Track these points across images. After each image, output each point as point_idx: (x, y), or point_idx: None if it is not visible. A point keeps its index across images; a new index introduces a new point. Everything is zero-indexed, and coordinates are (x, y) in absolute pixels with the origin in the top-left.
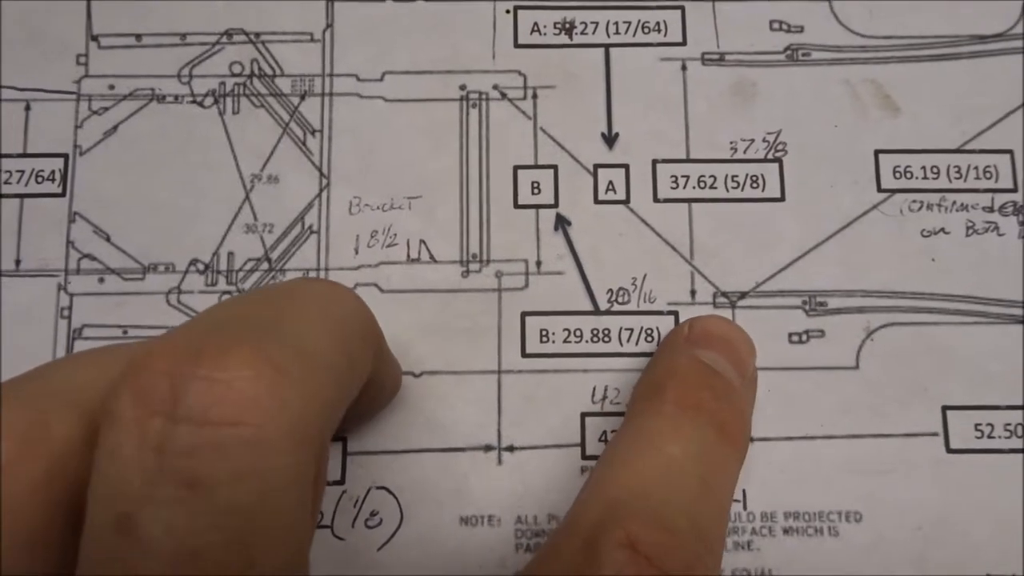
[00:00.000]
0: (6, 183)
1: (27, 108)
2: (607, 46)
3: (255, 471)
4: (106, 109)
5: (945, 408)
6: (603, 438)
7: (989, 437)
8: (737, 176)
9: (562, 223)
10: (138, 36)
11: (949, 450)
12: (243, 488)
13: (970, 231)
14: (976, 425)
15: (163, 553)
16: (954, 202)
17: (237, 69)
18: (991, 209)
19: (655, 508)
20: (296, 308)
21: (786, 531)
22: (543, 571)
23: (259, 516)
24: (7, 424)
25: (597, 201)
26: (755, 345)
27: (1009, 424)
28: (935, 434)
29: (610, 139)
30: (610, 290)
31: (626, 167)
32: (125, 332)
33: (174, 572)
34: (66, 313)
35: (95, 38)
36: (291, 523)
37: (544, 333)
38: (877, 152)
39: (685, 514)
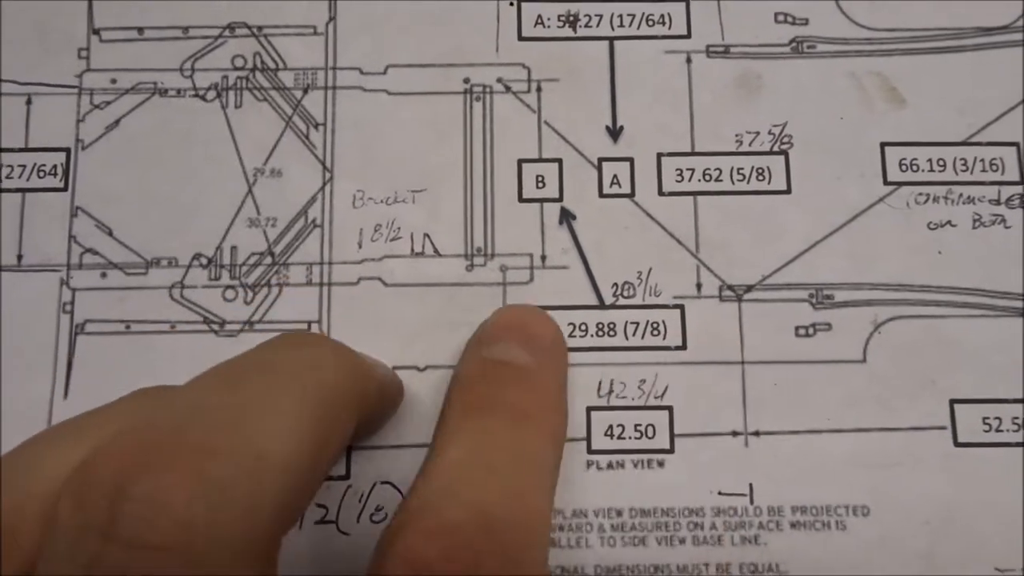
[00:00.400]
0: (7, 178)
1: (28, 102)
2: (611, 39)
3: None
4: (108, 103)
5: (953, 401)
6: (608, 432)
7: (997, 430)
8: (743, 169)
9: (567, 217)
10: (140, 30)
11: (957, 443)
12: None
13: (977, 224)
14: (984, 418)
15: None
16: (960, 195)
17: (240, 63)
18: (997, 202)
19: (433, 513)
20: (264, 390)
21: (793, 525)
22: None
23: None
24: None
25: (602, 195)
26: (549, 315)
27: (1016, 417)
28: (943, 427)
29: (615, 132)
30: (615, 284)
31: (631, 160)
32: (128, 327)
33: None
34: (68, 308)
35: (96, 32)
36: None
37: None
38: (883, 145)
39: (466, 506)
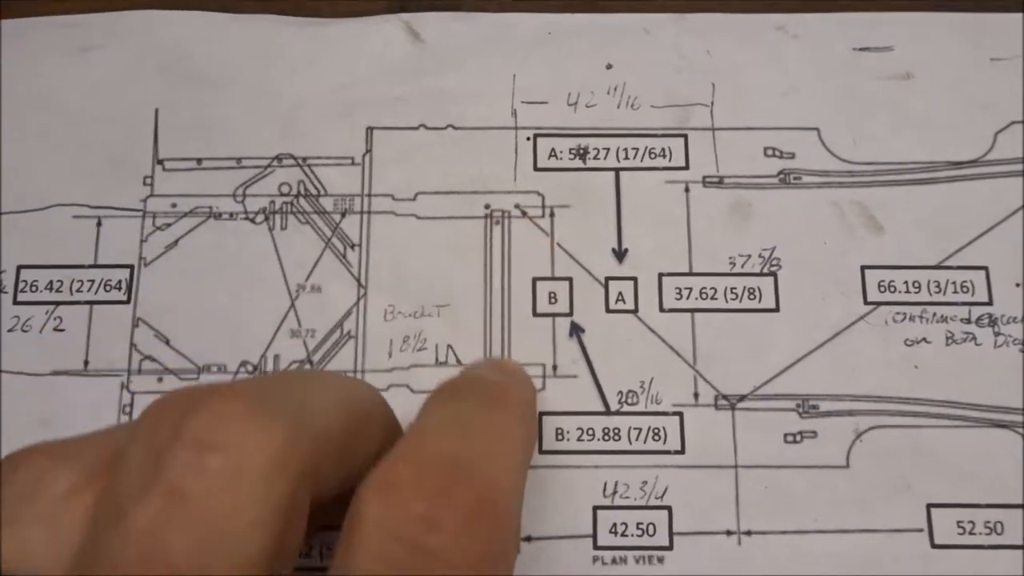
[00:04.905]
0: (78, 291)
1: (99, 224)
2: (617, 170)
3: (228, 490)
4: (168, 225)
5: (929, 506)
6: (613, 529)
7: (971, 533)
8: (736, 288)
9: (576, 330)
10: (199, 160)
11: (933, 545)
12: (216, 503)
13: (949, 341)
14: (958, 522)
15: (136, 543)
16: (935, 314)
17: (285, 189)
18: (968, 321)
19: (406, 453)
20: (309, 383)
21: None
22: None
23: (225, 529)
24: (74, 461)
25: (608, 310)
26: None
27: (989, 521)
28: (920, 530)
29: (620, 254)
30: (620, 392)
31: (634, 280)
32: None
33: (142, 567)
34: (128, 410)
35: (160, 162)
36: (249, 552)
37: (559, 431)
38: (863, 268)
39: (433, 450)
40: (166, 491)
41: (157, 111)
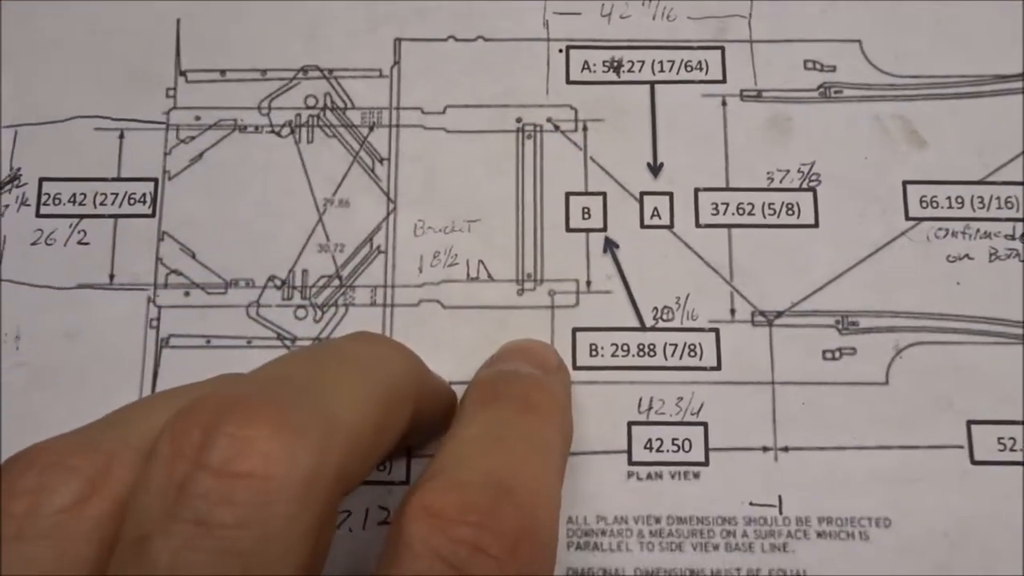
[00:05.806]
0: (102, 204)
1: (121, 136)
2: (652, 83)
3: (258, 520)
4: (192, 138)
5: (969, 422)
6: (648, 445)
7: (1011, 450)
8: (774, 204)
9: (610, 246)
10: (222, 72)
11: (973, 461)
12: (245, 533)
13: (993, 257)
14: (999, 439)
15: (164, 574)
16: (978, 230)
17: (312, 102)
18: (1012, 237)
19: (448, 475)
20: (337, 370)
21: (820, 535)
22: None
23: (256, 560)
24: (77, 467)
25: (643, 226)
26: (553, 345)
27: None
28: (960, 446)
29: (655, 169)
30: (655, 308)
31: (670, 195)
32: (208, 342)
33: None
34: (155, 324)
35: (183, 73)
36: (286, 571)
37: (593, 347)
38: (905, 183)
39: (475, 470)
40: (191, 520)
41: (179, 21)
